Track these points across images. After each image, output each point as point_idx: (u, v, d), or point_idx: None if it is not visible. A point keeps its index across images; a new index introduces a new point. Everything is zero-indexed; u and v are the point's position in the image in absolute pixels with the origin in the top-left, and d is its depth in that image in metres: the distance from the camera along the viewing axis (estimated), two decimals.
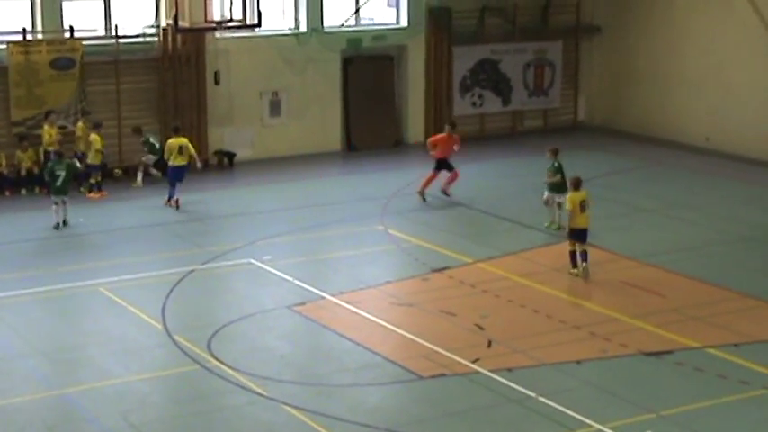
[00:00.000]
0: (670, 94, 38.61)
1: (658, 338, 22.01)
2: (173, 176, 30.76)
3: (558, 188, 28.31)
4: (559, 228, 28.10)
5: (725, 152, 36.50)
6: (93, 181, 32.53)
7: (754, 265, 26.66)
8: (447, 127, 32.54)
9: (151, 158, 32.88)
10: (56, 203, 29.01)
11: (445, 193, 31.81)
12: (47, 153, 32.53)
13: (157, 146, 32.94)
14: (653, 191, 32.79)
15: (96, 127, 32.49)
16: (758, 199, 32.01)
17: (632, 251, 27.34)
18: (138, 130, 32.97)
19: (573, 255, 25.77)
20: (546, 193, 28.98)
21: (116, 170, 33.75)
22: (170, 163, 30.91)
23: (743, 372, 20.40)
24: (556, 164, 28.77)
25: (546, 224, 28.95)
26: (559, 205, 28.13)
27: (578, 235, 25.56)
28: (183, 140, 31.01)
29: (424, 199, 31.39)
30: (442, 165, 31.69)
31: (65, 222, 29.06)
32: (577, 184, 25.55)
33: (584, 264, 25.54)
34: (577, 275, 25.55)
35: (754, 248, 27.99)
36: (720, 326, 22.68)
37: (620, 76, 40.25)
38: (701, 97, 37.62)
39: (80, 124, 32.94)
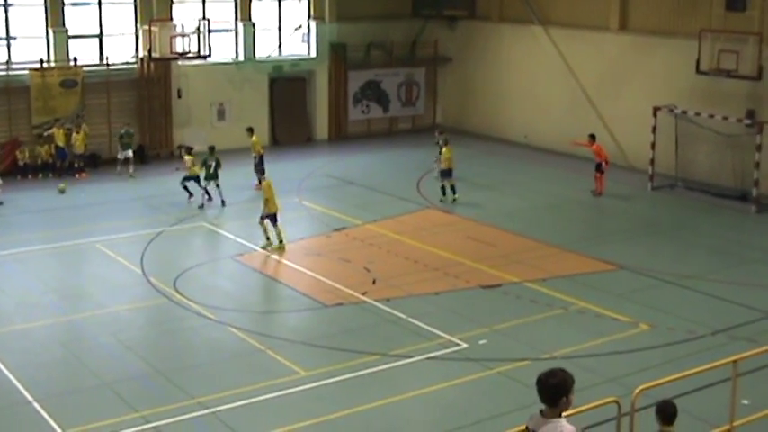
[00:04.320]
0: (499, 105, 38.89)
1: (491, 276, 22.31)
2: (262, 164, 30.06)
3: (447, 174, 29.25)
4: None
5: (537, 146, 36.86)
6: (77, 165, 32.33)
7: (554, 224, 27.07)
8: (589, 138, 30.60)
9: (130, 153, 32.42)
10: (206, 187, 28.41)
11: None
12: (58, 148, 32.19)
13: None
14: (488, 172, 33.06)
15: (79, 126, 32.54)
16: (558, 178, 32.37)
17: (473, 215, 27.62)
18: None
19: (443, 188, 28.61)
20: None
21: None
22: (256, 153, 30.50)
23: (548, 298, 20.81)
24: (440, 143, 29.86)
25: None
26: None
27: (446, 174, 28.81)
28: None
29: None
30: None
31: (223, 202, 28.34)
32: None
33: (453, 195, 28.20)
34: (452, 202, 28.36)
35: (555, 212, 28.40)
36: (533, 266, 23.03)
37: (465, 92, 40.43)
38: (521, 106, 37.94)
39: (84, 128, 32.65)
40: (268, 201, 24.29)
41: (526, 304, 20.47)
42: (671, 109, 30.90)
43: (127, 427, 14.93)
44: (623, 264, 23.20)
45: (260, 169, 28.79)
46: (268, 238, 24.20)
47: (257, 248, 24.16)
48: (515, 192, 30.67)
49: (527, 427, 8.51)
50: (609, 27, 34.55)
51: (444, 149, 29.33)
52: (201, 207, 28.02)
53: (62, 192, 29.17)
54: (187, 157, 29.30)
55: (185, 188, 28.81)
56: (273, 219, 24.27)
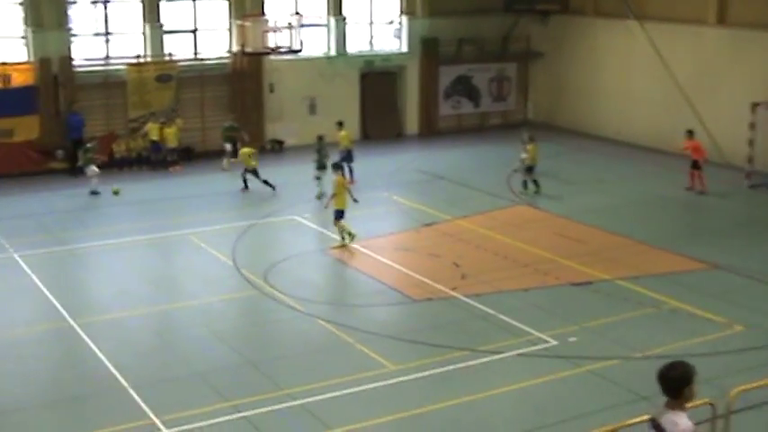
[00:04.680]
0: (592, 100, 38.51)
1: (581, 273, 22.08)
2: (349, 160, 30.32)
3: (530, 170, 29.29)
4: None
5: (630, 142, 36.41)
6: (169, 159, 32.88)
7: (646, 221, 26.67)
8: (687, 134, 29.94)
9: (228, 146, 32.71)
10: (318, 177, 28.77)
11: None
12: (152, 142, 32.80)
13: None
14: (579, 169, 32.76)
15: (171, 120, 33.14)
16: (651, 175, 31.92)
17: (564, 212, 27.37)
18: (340, 124, 31.53)
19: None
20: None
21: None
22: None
23: (639, 296, 20.52)
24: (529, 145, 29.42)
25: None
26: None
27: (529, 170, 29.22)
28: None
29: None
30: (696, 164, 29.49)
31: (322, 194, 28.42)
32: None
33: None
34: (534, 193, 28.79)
35: (646, 210, 27.97)
36: (624, 263, 22.74)
37: (557, 87, 40.12)
38: (614, 102, 37.50)
39: (178, 122, 33.20)
40: (336, 197, 24.21)
41: (617, 302, 20.22)
42: None
43: (218, 415, 15.15)
44: (718, 263, 22.76)
45: (339, 165, 28.87)
46: (343, 238, 24.09)
47: (346, 242, 24.26)
48: (607, 188, 30.31)
49: (652, 418, 8.75)
50: (706, 21, 33.90)
51: (530, 146, 29.26)
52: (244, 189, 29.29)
53: (116, 194, 28.73)
54: (244, 149, 29.75)
55: (244, 181, 29.42)
56: (341, 215, 24.19)
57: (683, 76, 34.62)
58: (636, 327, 18.92)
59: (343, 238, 24.09)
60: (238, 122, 33.74)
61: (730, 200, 28.94)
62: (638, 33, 36.01)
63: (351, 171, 30.07)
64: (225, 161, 32.42)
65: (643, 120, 36.21)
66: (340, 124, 31.40)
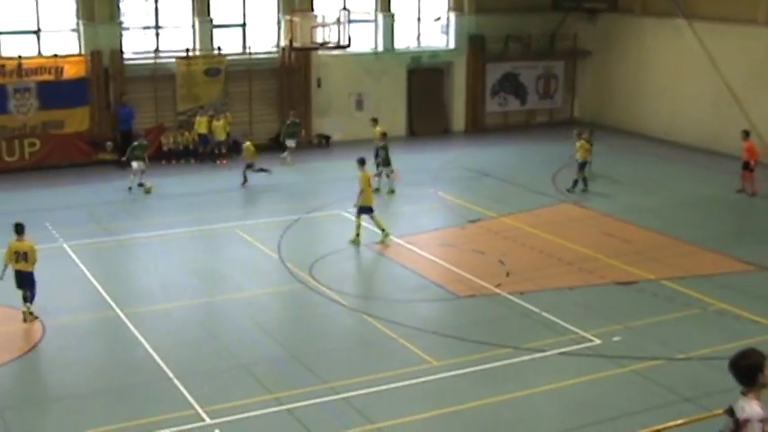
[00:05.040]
0: (640, 99, 38.24)
1: (626, 272, 21.96)
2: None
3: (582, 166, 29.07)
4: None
5: (678, 142, 36.14)
6: (216, 152, 33.10)
7: (692, 222, 26.47)
8: (743, 134, 29.42)
9: (293, 143, 32.71)
10: (377, 174, 28.70)
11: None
12: (200, 135, 33.04)
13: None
14: (626, 169, 32.54)
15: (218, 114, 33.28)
16: (700, 176, 31.65)
17: (610, 211, 27.23)
18: (375, 120, 31.34)
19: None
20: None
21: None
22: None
23: (684, 297, 20.37)
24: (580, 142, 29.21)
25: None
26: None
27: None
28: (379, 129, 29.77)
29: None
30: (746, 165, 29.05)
31: (392, 191, 28.81)
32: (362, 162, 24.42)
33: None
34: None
35: (694, 210, 27.74)
36: (669, 264, 22.58)
37: (605, 86, 39.89)
38: (662, 102, 37.22)
39: (227, 115, 33.40)
40: (362, 192, 24.05)
41: (662, 302, 20.08)
42: None
43: (261, 407, 15.24)
44: (765, 265, 22.53)
45: (377, 161, 28.94)
46: (358, 234, 23.93)
47: (392, 237, 24.27)
48: (653, 188, 30.08)
49: (730, 407, 8.94)
50: (756, 20, 33.53)
51: (578, 143, 29.15)
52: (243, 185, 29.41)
53: (148, 192, 28.64)
54: (247, 143, 29.86)
55: (244, 175, 29.58)
56: (369, 211, 24.05)
57: (732, 75, 34.27)
58: (681, 327, 18.78)
59: (383, 231, 24.05)
60: (278, 117, 33.90)
61: None
62: (687, 33, 35.68)
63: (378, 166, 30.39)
64: (288, 157, 32.48)
65: (692, 120, 35.91)
66: (375, 120, 31.42)
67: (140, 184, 28.87)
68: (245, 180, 29.58)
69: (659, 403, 15.53)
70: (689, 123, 36.01)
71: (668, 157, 34.32)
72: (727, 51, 34.43)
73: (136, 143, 29.59)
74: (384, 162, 28.90)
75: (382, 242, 23.92)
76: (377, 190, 28.19)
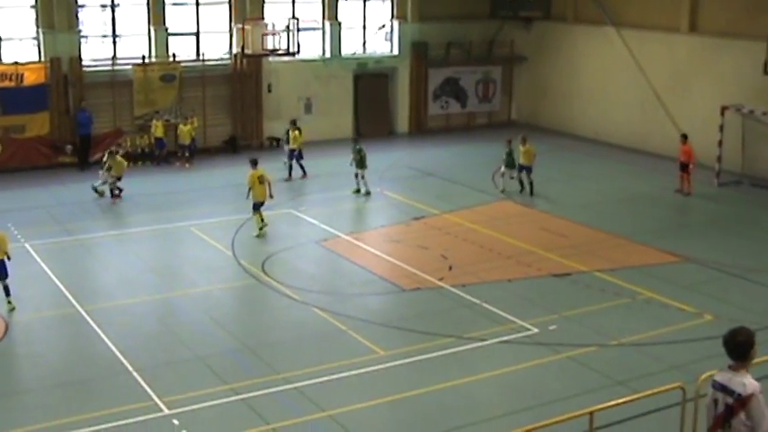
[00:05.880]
0: (572, 102, 38.52)
1: (561, 265, 22.12)
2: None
3: (510, 164, 29.03)
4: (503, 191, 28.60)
5: (607, 142, 36.47)
6: (180, 155, 32.72)
7: (622, 217, 26.69)
8: (681, 137, 29.38)
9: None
10: (355, 175, 28.57)
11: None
12: (157, 139, 32.76)
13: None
14: (560, 167, 32.75)
15: (186, 119, 32.92)
16: (628, 173, 31.96)
17: (546, 207, 27.41)
18: (293, 122, 31.38)
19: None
20: (502, 168, 29.24)
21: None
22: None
23: (616, 287, 20.57)
24: (508, 149, 28.99)
25: (501, 189, 28.96)
26: (511, 176, 28.98)
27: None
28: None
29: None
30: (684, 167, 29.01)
31: (367, 192, 28.43)
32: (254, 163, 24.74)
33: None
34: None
35: (624, 205, 27.99)
36: (602, 257, 22.78)
37: (540, 89, 40.13)
38: (592, 104, 37.53)
39: (194, 120, 33.06)
40: (251, 190, 24.36)
41: (595, 293, 20.25)
42: (738, 108, 30.30)
43: (217, 397, 15.14)
44: (689, 256, 22.81)
45: (254, 160, 28.24)
46: (261, 228, 24.24)
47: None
48: (586, 185, 30.33)
49: (714, 379, 9.02)
50: (679, 29, 33.93)
51: (523, 148, 28.63)
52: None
53: (100, 195, 27.90)
54: (119, 160, 28.11)
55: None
56: (260, 206, 24.33)
57: (657, 80, 34.64)
58: (612, 316, 18.96)
59: (260, 228, 24.23)
60: (230, 121, 33.66)
61: (701, 198, 28.95)
62: (616, 39, 36.03)
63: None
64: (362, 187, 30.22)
65: (620, 121, 36.25)
66: (294, 123, 31.38)
67: (95, 188, 28.29)
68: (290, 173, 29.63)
69: (594, 387, 15.67)
70: (617, 124, 36.35)
71: (598, 156, 34.60)
72: (652, 57, 34.80)
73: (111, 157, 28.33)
74: (359, 164, 28.49)
75: (257, 236, 24.06)
76: (357, 191, 28.12)
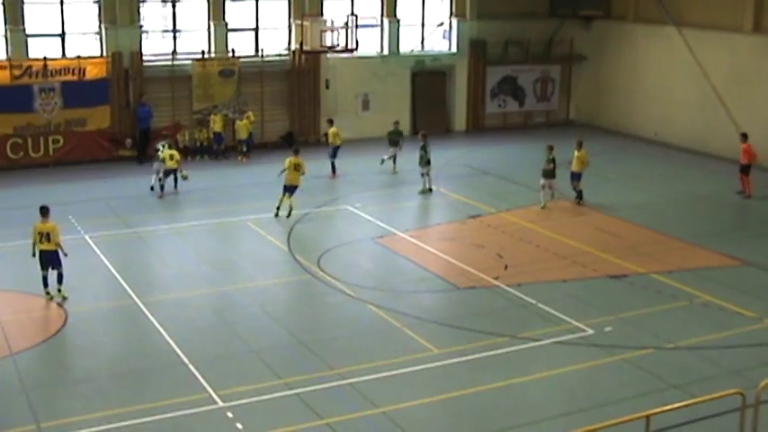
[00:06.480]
0: (632, 102, 38.14)
1: (618, 266, 21.94)
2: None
3: (550, 174, 26.93)
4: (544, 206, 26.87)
5: (667, 143, 36.06)
6: (239, 149, 32.97)
7: (681, 219, 26.40)
8: (741, 137, 28.96)
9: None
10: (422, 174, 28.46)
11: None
12: (215, 133, 33.04)
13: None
14: (618, 167, 32.45)
15: (243, 114, 33.22)
16: (688, 174, 31.61)
17: (603, 207, 27.18)
18: (330, 121, 31.67)
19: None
20: (541, 180, 27.11)
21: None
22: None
23: (673, 290, 20.35)
24: (551, 156, 26.97)
25: (541, 206, 26.87)
26: (550, 186, 27.04)
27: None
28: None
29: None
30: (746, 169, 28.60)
31: (429, 189, 28.41)
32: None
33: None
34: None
35: (683, 207, 27.69)
36: (659, 258, 22.55)
37: (598, 89, 39.78)
38: (653, 104, 37.12)
39: (250, 114, 33.31)
40: (284, 171, 25.92)
41: (652, 295, 20.05)
42: None
43: (271, 392, 15.25)
44: (749, 260, 22.47)
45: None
46: (281, 207, 25.58)
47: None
48: (644, 186, 30.01)
49: None
50: (742, 28, 33.44)
51: (577, 153, 27.48)
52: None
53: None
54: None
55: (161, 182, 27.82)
56: (291, 190, 25.72)
57: (718, 80, 34.17)
58: (669, 319, 18.76)
59: (282, 209, 25.50)
60: (288, 117, 33.80)
61: (763, 201, 28.47)
62: (677, 39, 35.59)
63: (333, 166, 30.60)
64: (388, 159, 31.20)
65: (680, 122, 35.83)
66: (330, 122, 31.60)
67: (153, 188, 28.18)
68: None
69: (648, 390, 15.51)
70: (678, 125, 35.92)
71: (658, 157, 34.24)
72: (714, 57, 34.33)
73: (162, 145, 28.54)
74: (423, 162, 28.30)
75: (276, 215, 25.47)
76: (426, 190, 28.20)
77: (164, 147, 28.15)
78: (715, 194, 28.96)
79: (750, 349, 17.21)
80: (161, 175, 27.79)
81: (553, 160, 27.05)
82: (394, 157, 31.13)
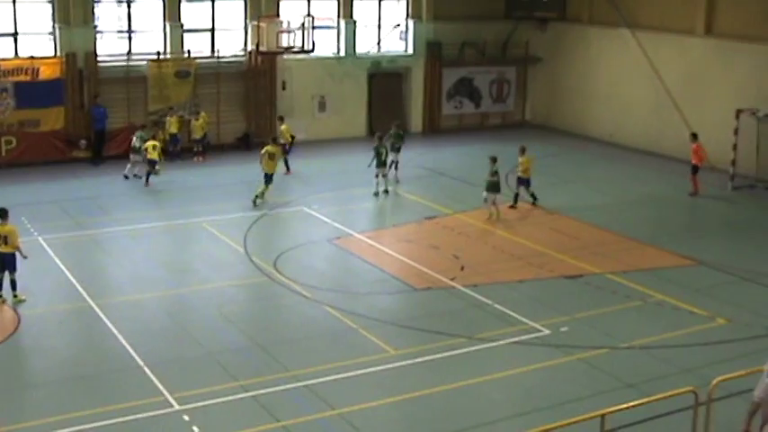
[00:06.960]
0: (586, 104, 38.39)
1: (573, 267, 22.06)
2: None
3: (495, 187, 25.89)
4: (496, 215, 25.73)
5: (622, 144, 36.34)
6: (195, 149, 32.78)
7: (635, 219, 26.58)
8: (691, 137, 29.44)
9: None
10: (377, 175, 28.16)
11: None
12: (171, 135, 32.76)
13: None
14: (573, 168, 32.67)
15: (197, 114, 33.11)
16: (641, 176, 31.83)
17: (558, 208, 27.31)
18: (281, 118, 31.98)
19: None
20: (484, 193, 26.00)
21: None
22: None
23: (627, 289, 20.50)
24: (495, 168, 25.92)
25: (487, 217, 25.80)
26: (494, 203, 25.80)
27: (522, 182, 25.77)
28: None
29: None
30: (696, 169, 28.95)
31: (385, 191, 28.21)
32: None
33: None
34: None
35: (637, 208, 27.88)
36: (614, 258, 22.70)
37: (554, 90, 40.01)
38: (607, 106, 37.40)
39: (203, 114, 33.17)
40: (267, 161, 27.06)
41: (606, 295, 20.18)
42: (753, 112, 30.15)
43: (227, 394, 15.14)
44: (702, 260, 22.71)
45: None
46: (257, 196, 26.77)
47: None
48: (599, 187, 30.22)
49: None
50: (695, 31, 33.81)
51: (522, 158, 26.99)
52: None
53: (156, 174, 28.84)
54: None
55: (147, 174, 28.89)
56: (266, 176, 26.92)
57: (671, 82, 34.51)
58: (623, 318, 18.90)
59: (257, 196, 26.72)
60: (244, 118, 33.68)
61: (715, 201, 28.84)
62: (631, 41, 35.90)
63: (286, 162, 30.50)
64: (393, 173, 30.13)
65: (634, 123, 36.13)
66: (281, 119, 31.75)
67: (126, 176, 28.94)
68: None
69: (604, 389, 15.61)
70: (632, 126, 36.22)
71: (612, 158, 34.49)
72: (666, 59, 34.68)
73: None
74: (379, 162, 28.10)
75: (253, 199, 26.74)
76: (379, 193, 28.04)
77: (142, 138, 28.82)
78: (668, 195, 29.24)
79: (703, 348, 17.38)
80: (144, 165, 28.42)
81: (497, 172, 26.04)
82: (395, 164, 29.99)
